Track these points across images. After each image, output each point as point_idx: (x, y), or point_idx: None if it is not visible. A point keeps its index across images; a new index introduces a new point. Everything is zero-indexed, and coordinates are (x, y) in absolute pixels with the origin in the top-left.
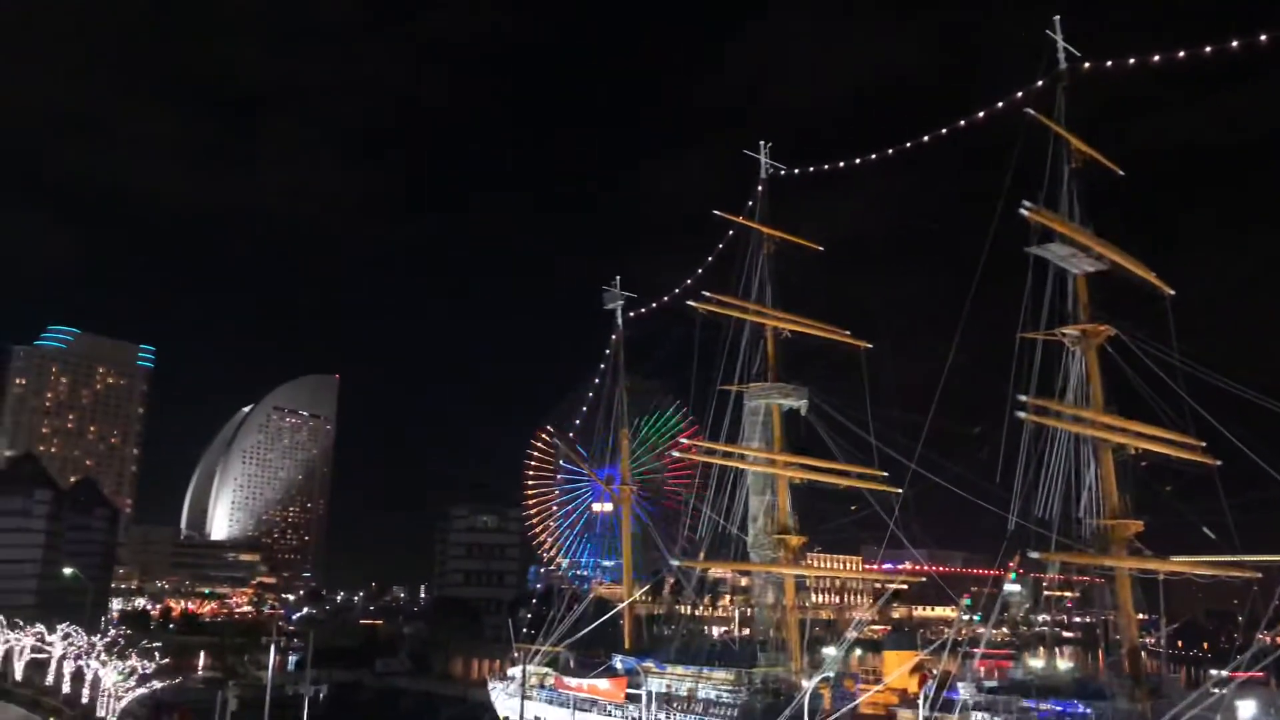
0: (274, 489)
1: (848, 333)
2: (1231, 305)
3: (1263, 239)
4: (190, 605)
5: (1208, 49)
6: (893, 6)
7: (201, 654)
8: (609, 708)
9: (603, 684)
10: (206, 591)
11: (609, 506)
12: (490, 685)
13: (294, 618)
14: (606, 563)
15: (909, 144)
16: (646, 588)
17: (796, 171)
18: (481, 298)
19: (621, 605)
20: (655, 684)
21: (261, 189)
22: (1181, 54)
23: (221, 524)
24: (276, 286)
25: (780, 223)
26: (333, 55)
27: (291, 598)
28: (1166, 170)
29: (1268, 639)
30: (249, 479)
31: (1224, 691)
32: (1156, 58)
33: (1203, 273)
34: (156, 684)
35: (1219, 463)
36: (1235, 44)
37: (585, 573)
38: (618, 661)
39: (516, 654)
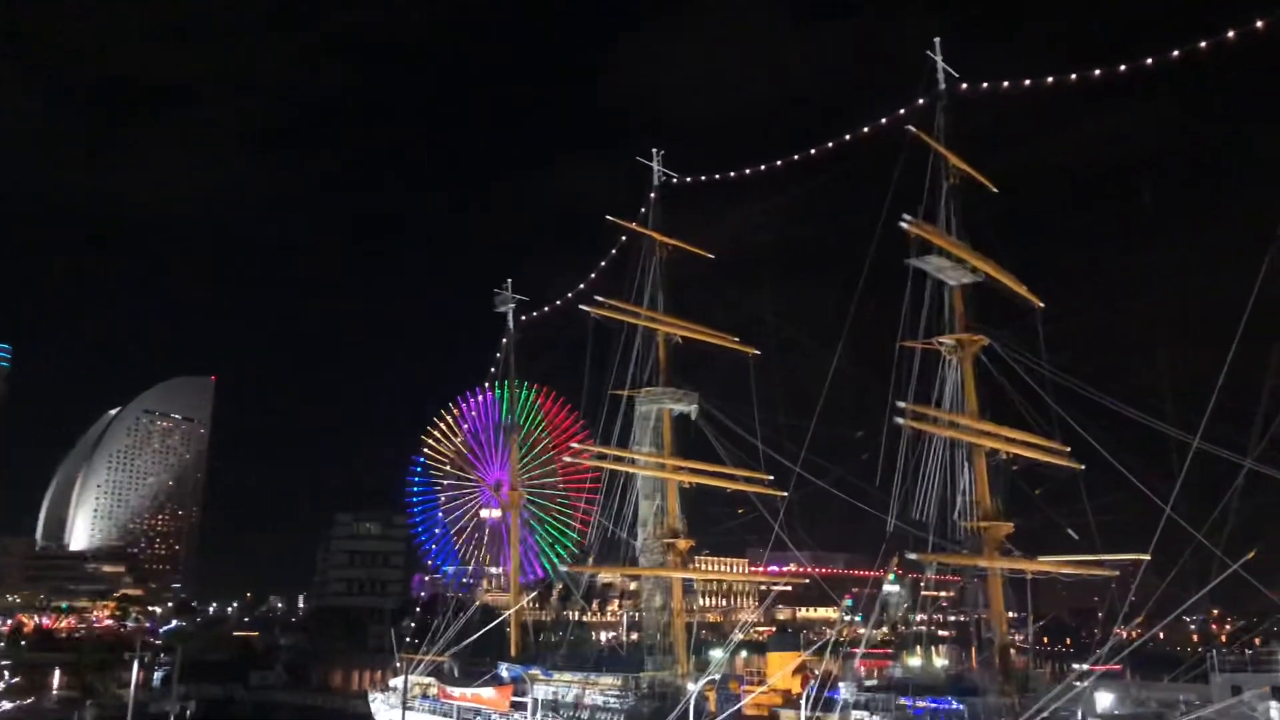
0: (142, 496)
1: (737, 339)
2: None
3: (1125, 258)
4: (45, 620)
5: (1073, 76)
6: (788, 21)
7: (56, 672)
8: (494, 716)
9: (487, 692)
10: (64, 606)
11: (497, 513)
12: (371, 696)
13: (161, 631)
14: (494, 569)
15: (796, 156)
16: (534, 594)
17: (689, 180)
18: (369, 298)
19: (508, 612)
20: (541, 691)
21: (137, 183)
22: (1050, 80)
23: (82, 533)
24: (151, 284)
25: (673, 230)
26: (228, 49)
27: (159, 610)
28: (1039, 189)
29: (1124, 633)
30: (115, 486)
31: (1085, 684)
32: (1028, 82)
33: (1070, 287)
34: (5, 704)
35: (1083, 467)
36: (1097, 73)
37: (471, 580)
38: (503, 669)
39: (399, 664)
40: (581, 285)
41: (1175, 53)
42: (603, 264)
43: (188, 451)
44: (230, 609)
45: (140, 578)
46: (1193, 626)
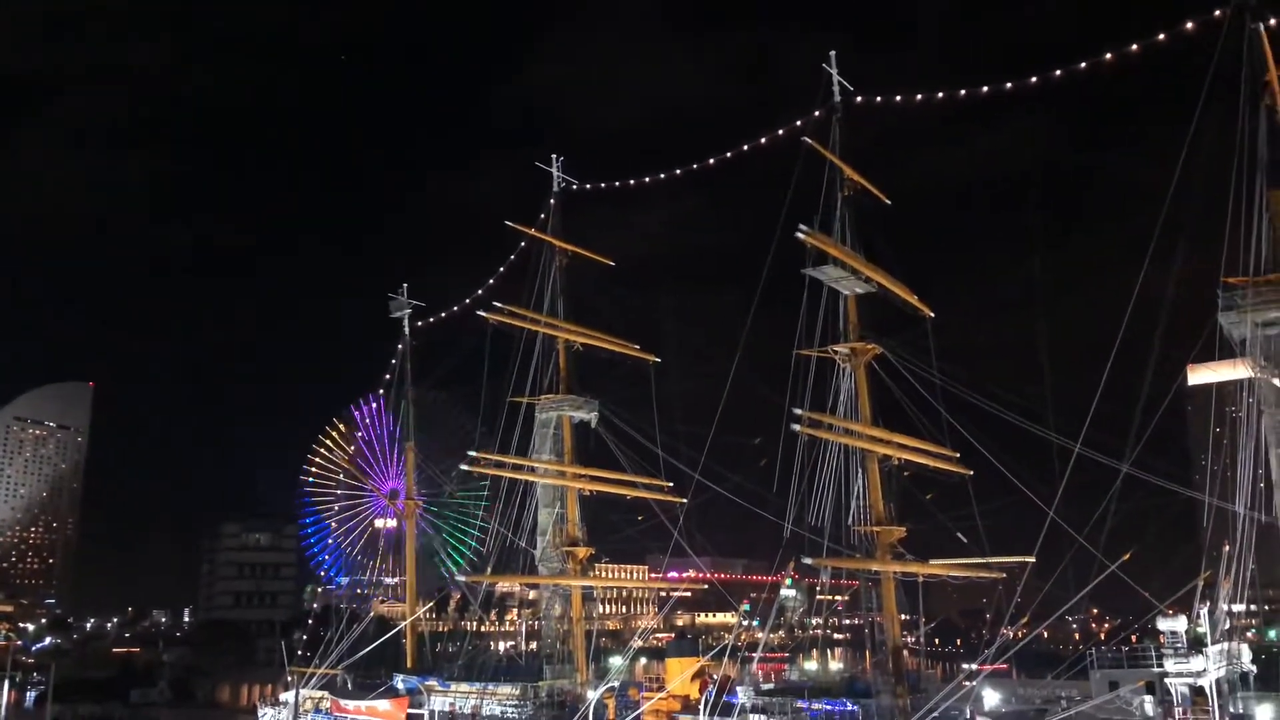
0: (12, 508)
1: (637, 347)
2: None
3: (1012, 270)
4: None
5: (962, 92)
6: (690, 31)
7: None
8: None
9: (382, 705)
10: None
11: (393, 522)
12: (261, 712)
13: (34, 649)
14: (389, 580)
15: (696, 166)
16: (431, 604)
17: (589, 186)
18: (259, 303)
19: (404, 623)
20: (438, 703)
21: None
22: (940, 95)
23: None
24: (22, 286)
25: (573, 236)
26: (104, 44)
27: (31, 627)
28: (930, 201)
29: (1010, 633)
30: None
31: (973, 684)
32: (920, 97)
33: (959, 297)
34: None
35: (971, 472)
36: (984, 90)
37: (366, 591)
38: (399, 681)
39: (290, 678)
40: (480, 291)
41: (1058, 71)
42: (501, 270)
43: (63, 460)
44: (110, 624)
45: (11, 593)
46: (1074, 626)
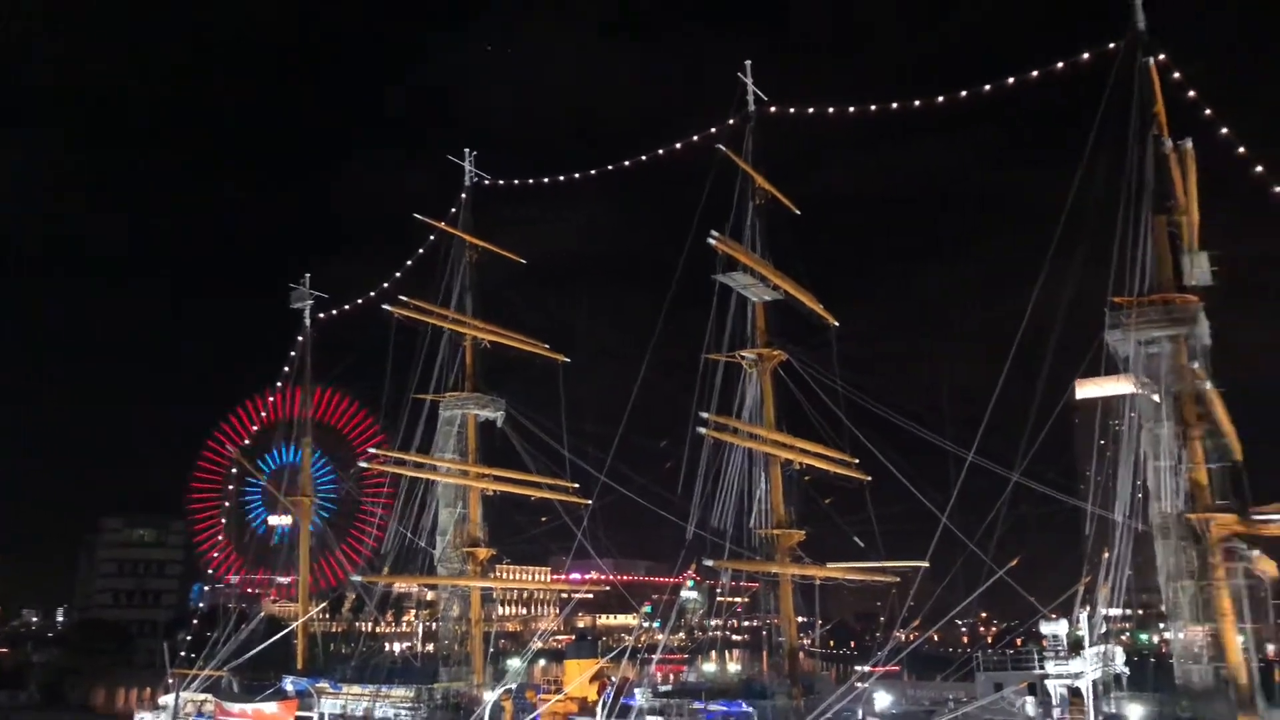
0: None
1: (547, 346)
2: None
3: (916, 282)
4: None
5: (873, 107)
6: (610, 33)
7: None
8: None
9: (269, 708)
10: None
11: (287, 519)
12: (138, 716)
13: None
14: (282, 579)
15: (610, 167)
16: (324, 605)
17: (501, 182)
18: (149, 290)
19: (295, 624)
20: (329, 705)
21: None
22: (851, 109)
23: None
24: None
25: (484, 232)
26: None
27: None
28: (839, 213)
29: (902, 636)
30: None
31: (865, 685)
32: (831, 110)
33: (864, 308)
34: None
35: (869, 478)
36: (894, 106)
37: (256, 590)
38: (288, 683)
39: (171, 680)
40: (385, 285)
41: (963, 93)
42: (409, 263)
43: None
44: None
45: None
46: (964, 629)
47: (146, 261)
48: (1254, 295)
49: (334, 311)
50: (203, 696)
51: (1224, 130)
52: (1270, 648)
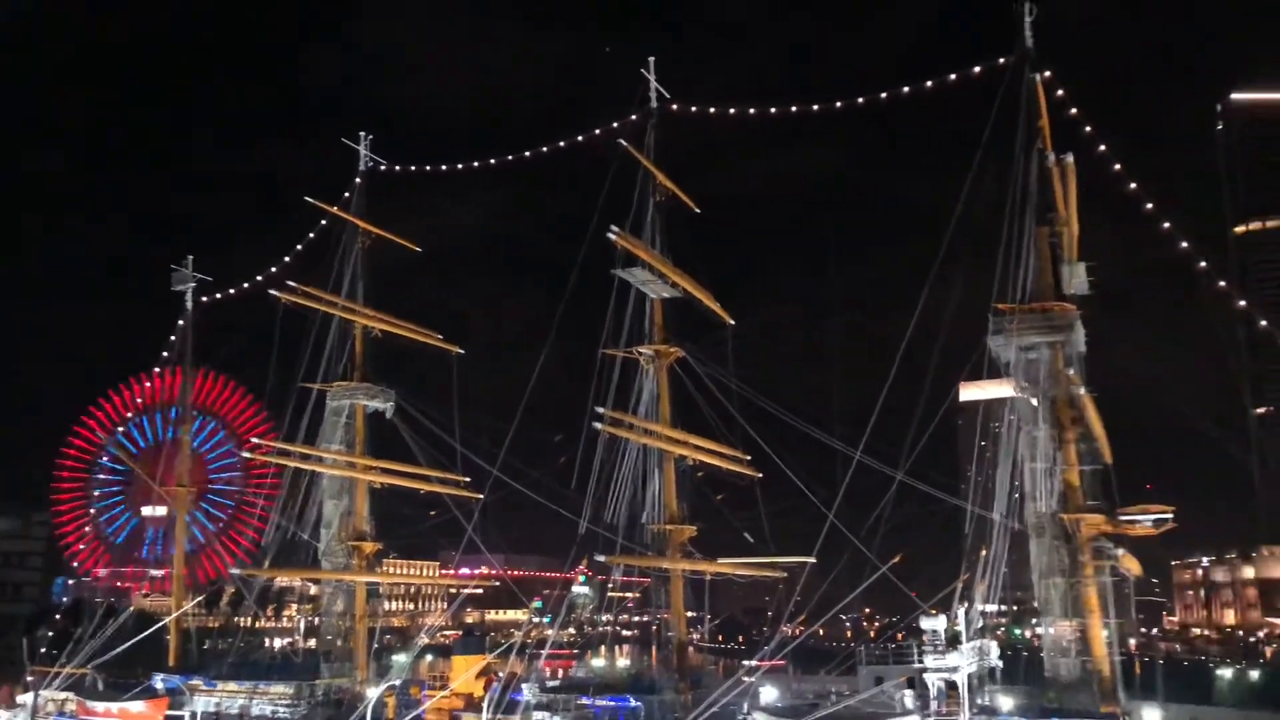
0: None
1: (440, 337)
2: (781, 339)
3: (811, 283)
4: None
5: (773, 110)
6: (515, 25)
7: None
8: None
9: (135, 707)
10: None
11: (162, 511)
12: None
13: None
14: (156, 572)
15: (511, 158)
16: (199, 599)
17: (398, 168)
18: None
19: (168, 619)
20: (203, 703)
21: None
22: (752, 111)
23: None
24: None
25: (378, 219)
26: None
27: None
28: (739, 212)
29: (789, 631)
30: None
31: (752, 680)
32: (733, 110)
33: (760, 308)
34: None
35: (760, 475)
36: (794, 109)
37: (126, 584)
38: (159, 681)
39: (31, 678)
40: (274, 269)
41: (860, 100)
42: (299, 248)
43: None
44: None
45: None
46: (848, 624)
47: (21, 233)
48: (1126, 305)
49: (218, 295)
50: (64, 695)
51: (1102, 147)
52: (1132, 642)
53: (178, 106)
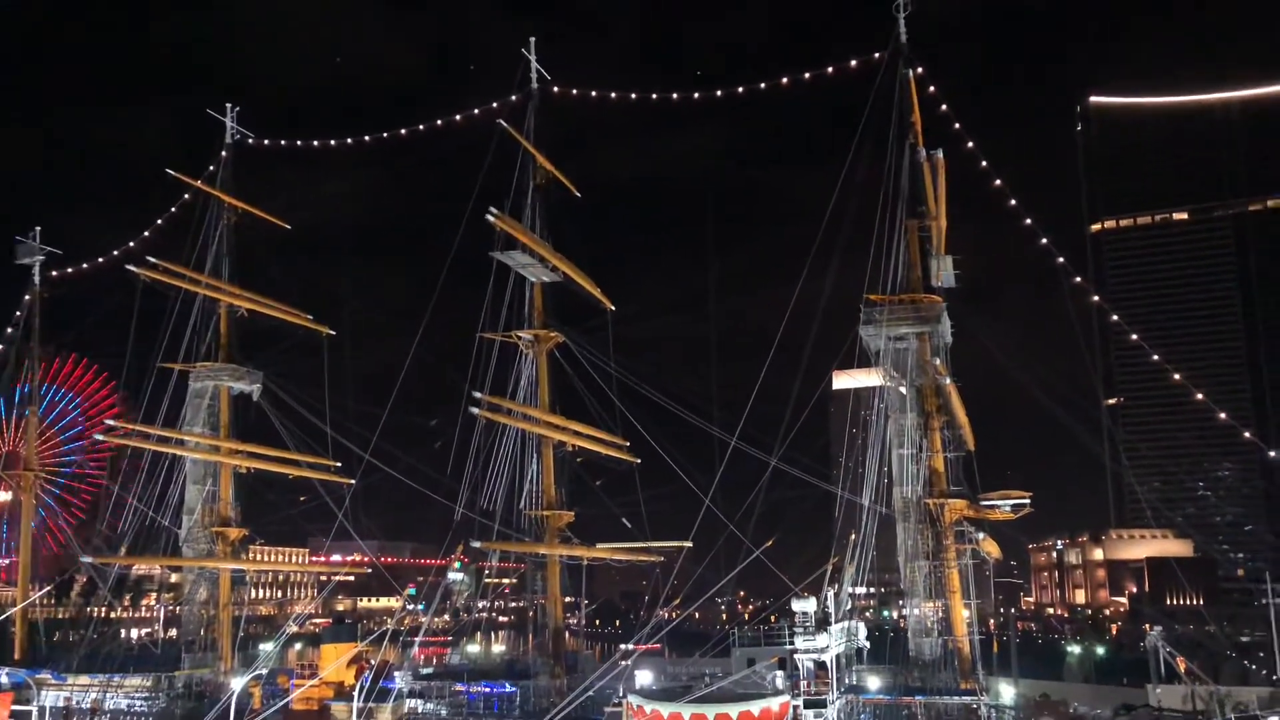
0: None
1: (310, 317)
2: (661, 325)
3: (688, 271)
4: None
5: (654, 95)
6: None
7: None
8: None
9: None
10: None
11: (6, 495)
12: None
13: None
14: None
15: (386, 134)
16: (47, 589)
17: (266, 142)
18: None
19: (13, 610)
20: (52, 697)
21: None
22: (633, 96)
23: None
24: None
25: (245, 194)
26: None
27: None
28: (619, 198)
29: (665, 614)
30: None
31: (627, 663)
32: (614, 94)
33: (640, 294)
34: None
35: (639, 461)
36: (674, 96)
37: None
38: (3, 675)
39: None
40: (132, 244)
41: (739, 88)
42: (159, 222)
43: None
44: None
45: None
46: (723, 607)
47: None
48: (990, 298)
49: (69, 270)
50: None
51: (969, 144)
52: (991, 621)
53: (26, 64)
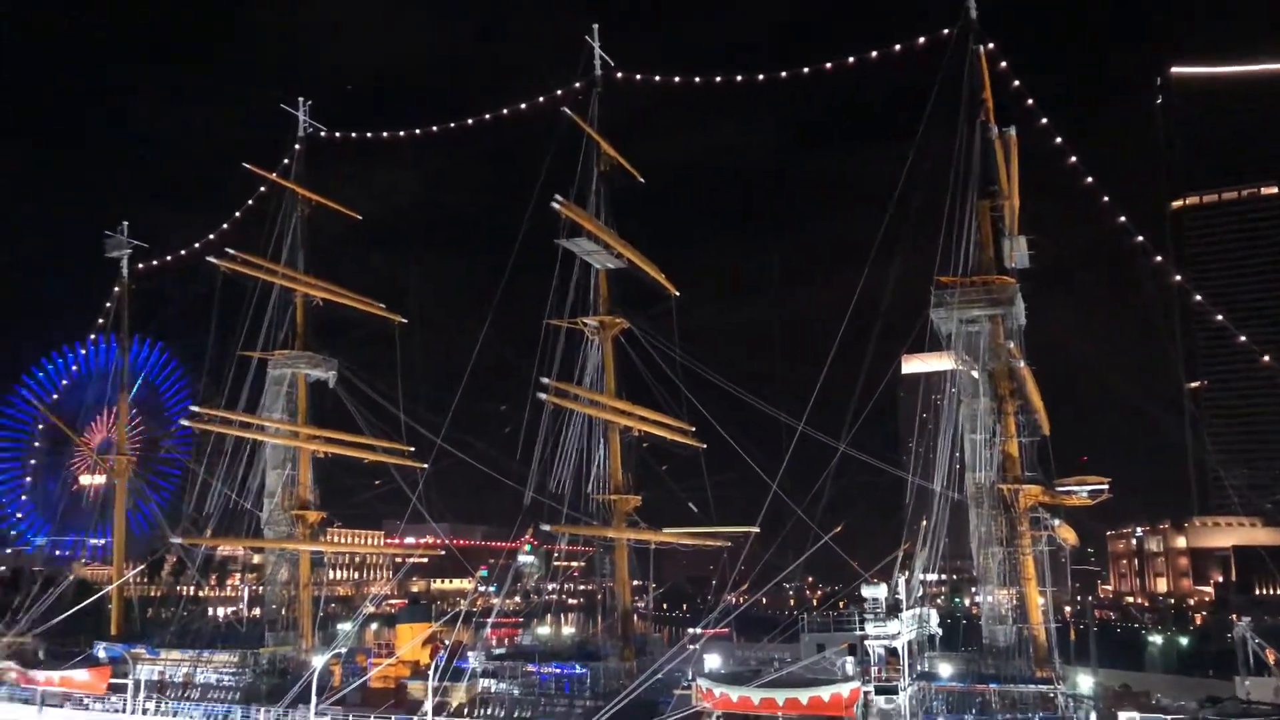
0: None
1: (383, 306)
2: (726, 311)
3: (756, 255)
4: None
5: (718, 79)
6: None
7: None
8: (86, 700)
9: (79, 675)
10: None
11: (101, 479)
12: None
13: None
14: (95, 540)
15: (454, 125)
16: (141, 567)
17: (338, 135)
18: None
19: (109, 588)
20: (146, 671)
21: None
22: (697, 80)
23: None
24: None
25: (318, 186)
26: None
27: None
28: (684, 183)
29: (732, 599)
30: None
31: (695, 647)
32: (678, 79)
33: (705, 280)
34: None
35: (705, 446)
36: (739, 79)
37: (67, 552)
38: (101, 650)
39: None
40: (211, 236)
41: (805, 69)
42: (237, 215)
43: None
44: None
45: None
46: (790, 592)
47: None
48: (1066, 280)
49: (154, 262)
50: (5, 664)
51: (1044, 120)
52: (1067, 609)
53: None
